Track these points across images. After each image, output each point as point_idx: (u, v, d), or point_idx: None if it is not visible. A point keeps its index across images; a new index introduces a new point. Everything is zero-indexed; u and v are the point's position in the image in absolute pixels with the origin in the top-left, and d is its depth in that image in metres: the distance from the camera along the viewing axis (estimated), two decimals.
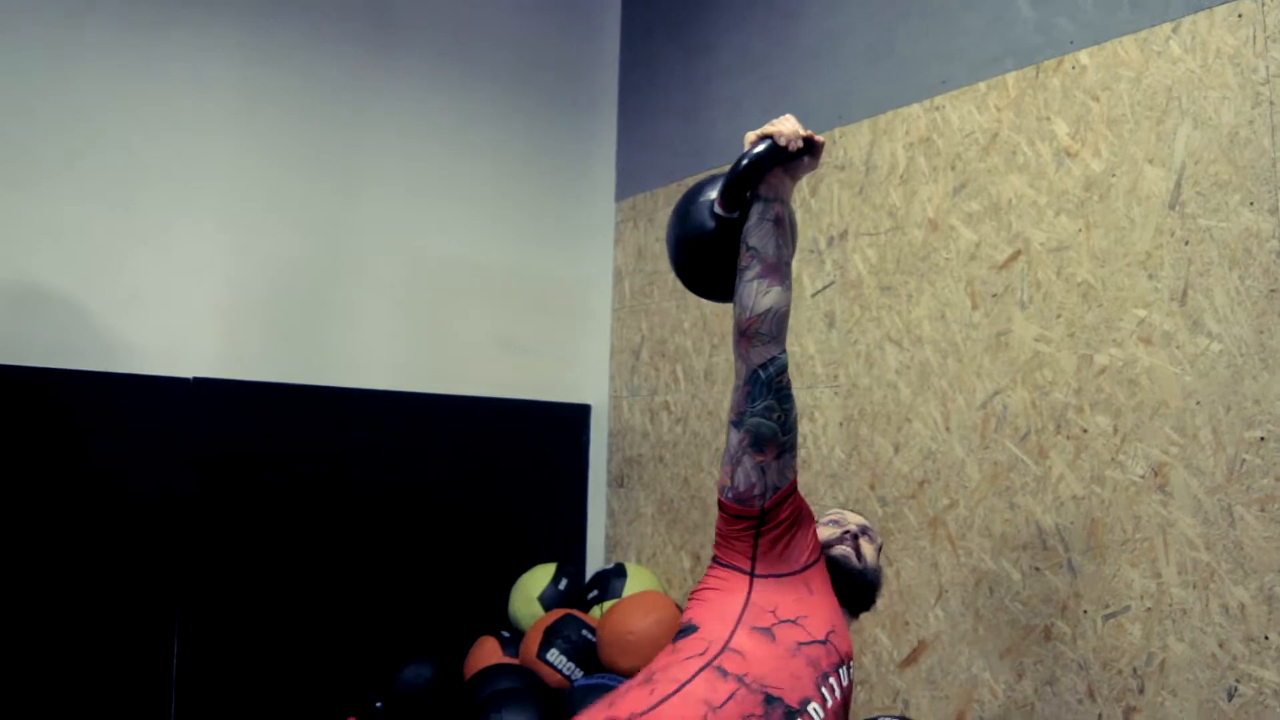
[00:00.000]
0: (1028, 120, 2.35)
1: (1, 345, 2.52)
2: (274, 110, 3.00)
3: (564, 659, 2.77)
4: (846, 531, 1.56)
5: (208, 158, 2.87)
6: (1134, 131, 2.14)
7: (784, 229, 1.39)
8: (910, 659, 2.49)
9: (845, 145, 2.80)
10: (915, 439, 2.53)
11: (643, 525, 3.42)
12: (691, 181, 3.32)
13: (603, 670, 2.75)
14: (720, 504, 1.42)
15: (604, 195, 3.66)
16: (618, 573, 3.09)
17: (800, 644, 1.33)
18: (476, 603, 3.23)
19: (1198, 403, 2.00)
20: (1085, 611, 2.15)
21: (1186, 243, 2.04)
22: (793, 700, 1.27)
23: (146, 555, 2.69)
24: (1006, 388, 2.33)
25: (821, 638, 1.36)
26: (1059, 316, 2.25)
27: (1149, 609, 2.05)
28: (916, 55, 2.63)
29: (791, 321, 2.89)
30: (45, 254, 2.62)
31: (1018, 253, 2.34)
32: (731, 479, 1.38)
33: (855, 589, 1.53)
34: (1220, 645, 1.93)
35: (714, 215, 1.44)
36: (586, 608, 3.06)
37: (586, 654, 2.79)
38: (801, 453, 2.80)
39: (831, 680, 1.34)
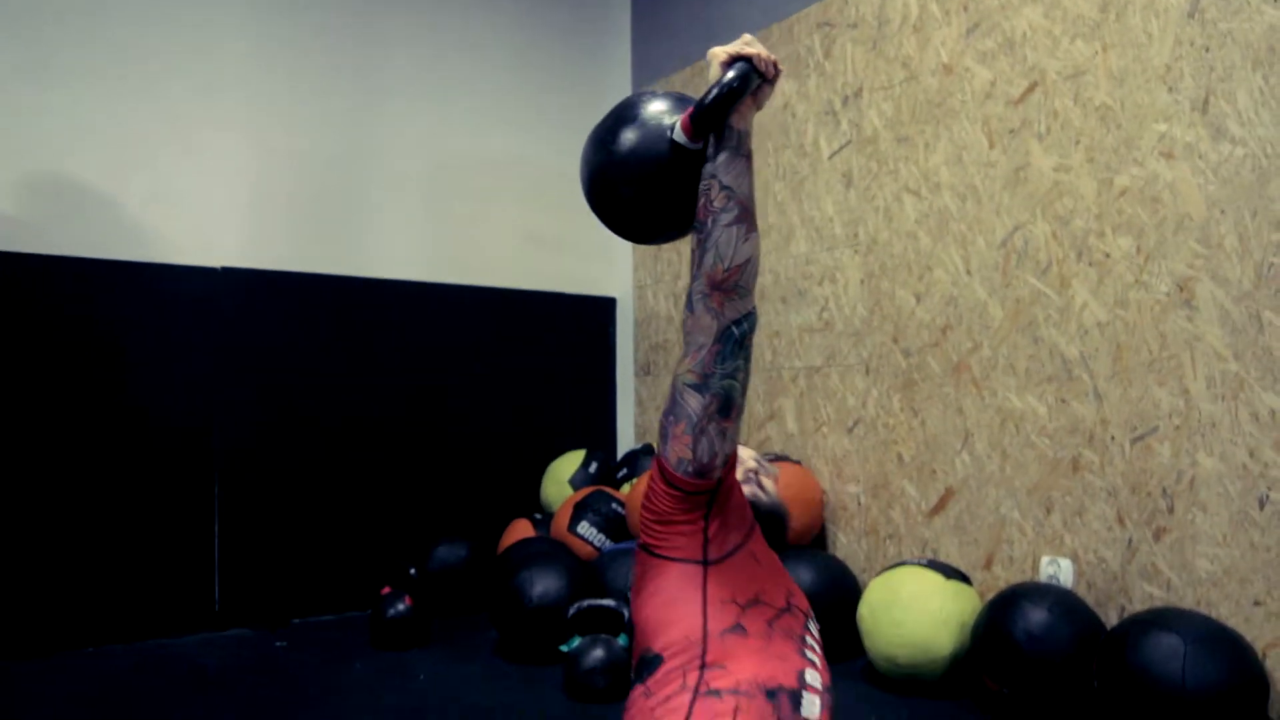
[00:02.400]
0: None
1: (39, 236, 2.60)
2: (294, 8, 3.02)
3: (594, 530, 2.80)
4: (749, 470, 1.44)
5: (230, 56, 2.91)
6: None
7: (752, 168, 1.25)
8: (938, 507, 2.48)
9: (857, 3, 2.74)
10: (937, 287, 2.49)
11: None
12: None
13: (631, 539, 2.77)
14: (670, 481, 1.23)
15: (621, 85, 3.64)
16: (646, 451, 3.10)
17: (770, 622, 1.24)
18: (510, 489, 3.27)
19: (1222, 211, 1.95)
20: (1113, 438, 2.12)
21: (1207, 49, 1.98)
22: (790, 681, 1.20)
23: (183, 432, 2.77)
24: (1026, 222, 2.29)
25: (783, 605, 1.27)
26: (1078, 143, 2.19)
27: (1177, 427, 2.01)
28: None
29: (810, 186, 2.87)
30: (77, 150, 2.68)
31: (1034, 85, 2.29)
32: (694, 450, 1.21)
33: (769, 527, 1.42)
34: (1251, 455, 1.89)
35: (672, 144, 1.24)
36: (617, 488, 3.09)
37: (616, 525, 2.81)
38: (825, 314, 2.78)
39: (809, 639, 1.26)
